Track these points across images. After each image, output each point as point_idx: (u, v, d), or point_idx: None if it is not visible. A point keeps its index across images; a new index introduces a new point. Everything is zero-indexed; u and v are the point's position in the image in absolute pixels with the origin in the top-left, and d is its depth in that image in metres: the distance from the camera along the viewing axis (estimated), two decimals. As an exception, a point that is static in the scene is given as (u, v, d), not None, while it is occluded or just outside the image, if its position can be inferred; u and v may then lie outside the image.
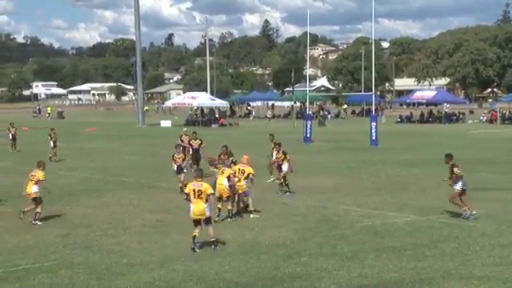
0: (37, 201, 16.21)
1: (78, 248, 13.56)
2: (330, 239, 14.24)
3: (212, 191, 13.68)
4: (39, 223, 15.99)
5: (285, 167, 20.29)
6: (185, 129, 27.18)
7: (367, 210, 17.58)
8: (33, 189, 16.28)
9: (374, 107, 44.72)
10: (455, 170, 16.26)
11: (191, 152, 24.58)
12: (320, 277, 11.45)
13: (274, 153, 21.52)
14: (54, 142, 31.28)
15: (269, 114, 74.94)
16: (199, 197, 13.25)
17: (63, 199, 19.48)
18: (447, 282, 11.07)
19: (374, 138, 38.59)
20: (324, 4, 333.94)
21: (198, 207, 13.24)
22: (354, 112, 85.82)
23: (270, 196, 20.05)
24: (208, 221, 13.46)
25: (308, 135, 41.93)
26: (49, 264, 12.33)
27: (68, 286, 11.12)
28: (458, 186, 16.21)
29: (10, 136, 35.01)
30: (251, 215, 16.72)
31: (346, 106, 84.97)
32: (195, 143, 24.64)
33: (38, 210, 16.15)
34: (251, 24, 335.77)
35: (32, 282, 11.27)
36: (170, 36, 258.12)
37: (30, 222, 15.98)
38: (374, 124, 38.79)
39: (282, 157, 20.42)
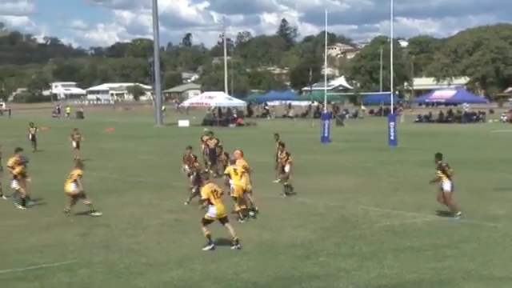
0: (78, 196, 16.74)
1: (96, 247, 13.62)
2: (349, 239, 14.17)
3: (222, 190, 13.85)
4: (98, 214, 16.74)
5: (287, 168, 20.15)
6: (205, 129, 27.19)
7: (386, 210, 17.47)
8: (71, 187, 16.77)
9: (392, 107, 44.41)
10: (449, 170, 16.25)
11: (208, 152, 24.92)
12: (338, 277, 11.39)
13: (279, 153, 21.90)
14: (77, 143, 30.75)
15: (291, 113, 74.47)
16: (219, 197, 13.36)
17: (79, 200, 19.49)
18: (467, 282, 10.96)
19: (392, 137, 38.36)
20: (342, 3, 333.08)
21: (221, 207, 13.37)
22: (372, 112, 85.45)
23: (287, 195, 20.01)
24: (227, 219, 13.49)
25: (326, 135, 41.79)
26: (68, 263, 12.40)
27: (87, 284, 11.16)
28: (448, 187, 16.13)
29: (30, 136, 34.97)
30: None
31: (364, 108, 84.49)
32: (211, 143, 25.00)
33: (88, 201, 16.89)
34: (269, 23, 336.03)
35: (51, 281, 11.33)
36: (188, 36, 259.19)
37: (89, 214, 16.73)
38: (392, 124, 38.57)
39: (286, 157, 20.31)
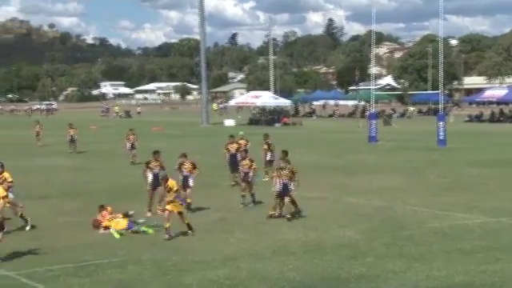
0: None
1: (144, 245, 13.77)
2: (397, 240, 13.98)
3: None
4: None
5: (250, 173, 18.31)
6: (241, 132, 26.67)
7: (435, 211, 17.18)
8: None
9: (441, 106, 43.67)
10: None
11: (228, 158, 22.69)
12: (386, 278, 11.24)
13: (269, 153, 22.48)
14: (132, 144, 29.39)
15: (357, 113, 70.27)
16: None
17: (128, 197, 19.77)
18: (520, 286, 10.68)
19: (441, 137, 37.76)
20: (389, 1, 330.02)
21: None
22: (420, 111, 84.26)
23: (334, 195, 19.89)
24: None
25: (373, 134, 41.40)
26: (117, 260, 12.57)
27: (136, 281, 11.30)
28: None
29: (69, 137, 34.53)
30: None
31: (412, 108, 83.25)
32: (232, 147, 22.46)
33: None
34: (315, 23, 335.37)
35: (101, 278, 11.51)
36: (234, 35, 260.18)
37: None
38: (441, 123, 37.96)
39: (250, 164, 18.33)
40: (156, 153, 18.02)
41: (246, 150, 20.01)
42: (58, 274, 11.71)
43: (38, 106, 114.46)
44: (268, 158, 22.75)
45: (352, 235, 14.46)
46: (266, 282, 11.11)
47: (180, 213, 14.61)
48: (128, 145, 29.43)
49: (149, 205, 17.16)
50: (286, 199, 16.18)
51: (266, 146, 22.93)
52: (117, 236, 14.56)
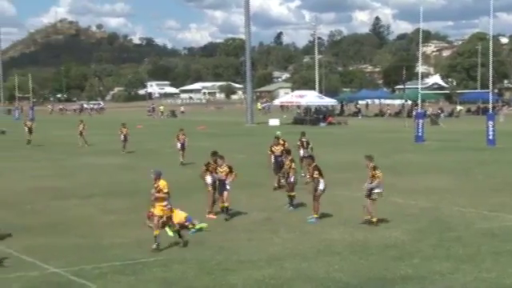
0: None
1: (189, 244, 13.81)
2: (444, 241, 13.74)
3: None
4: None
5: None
6: (278, 132, 26.36)
7: (483, 212, 16.83)
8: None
9: (491, 105, 42.79)
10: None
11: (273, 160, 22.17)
12: (433, 280, 11.06)
13: (302, 150, 22.99)
14: (182, 144, 29.03)
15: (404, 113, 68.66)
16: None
17: (175, 196, 19.84)
18: None
19: (490, 137, 37.00)
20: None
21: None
22: (469, 110, 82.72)
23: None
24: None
25: (420, 134, 40.81)
26: (162, 258, 12.69)
27: (180, 280, 11.38)
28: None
29: (122, 137, 34.92)
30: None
31: (460, 107, 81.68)
32: (277, 149, 21.78)
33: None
34: (361, 21, 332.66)
35: (147, 276, 11.63)
36: (279, 35, 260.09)
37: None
38: (491, 123, 37.22)
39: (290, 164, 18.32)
40: (214, 154, 17.25)
41: (288, 151, 19.56)
42: (106, 271, 11.89)
43: (91, 105, 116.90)
44: (301, 154, 23.34)
45: (398, 236, 14.28)
46: (311, 282, 11.05)
47: (169, 218, 13.65)
48: (178, 145, 29.27)
49: (210, 207, 16.90)
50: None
51: (299, 143, 23.84)
52: (170, 234, 14.61)
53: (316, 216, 15.91)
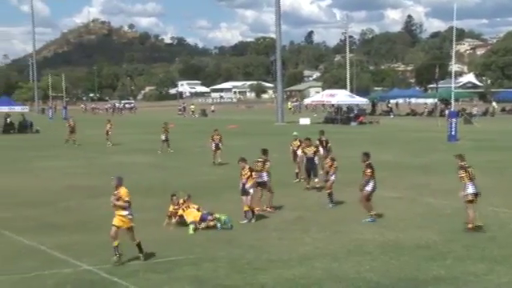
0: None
1: (220, 243, 13.89)
2: (478, 242, 13.54)
3: None
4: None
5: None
6: (295, 132, 26.02)
7: (518, 213, 16.54)
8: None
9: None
10: (368, 170, 15.53)
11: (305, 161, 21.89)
12: (466, 281, 10.91)
13: (321, 149, 22.24)
14: (217, 145, 28.78)
15: (437, 112, 67.14)
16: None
17: (205, 195, 19.95)
18: None
19: (525, 136, 36.35)
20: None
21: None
22: (504, 109, 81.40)
23: (412, 195, 19.48)
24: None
25: (453, 133, 40.30)
26: (193, 257, 12.74)
27: (211, 278, 11.41)
28: (369, 188, 15.53)
29: (163, 137, 34.87)
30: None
31: (495, 105, 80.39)
32: (309, 150, 21.45)
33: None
34: (393, 20, 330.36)
35: (178, 274, 11.69)
36: (310, 33, 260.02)
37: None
38: (525, 122, 36.56)
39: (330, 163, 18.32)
40: (264, 152, 17.91)
41: (328, 150, 20.82)
42: (137, 269, 11.98)
43: (123, 105, 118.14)
44: (321, 153, 22.57)
45: (430, 236, 14.12)
46: (341, 282, 10.99)
47: (129, 229, 12.43)
48: (213, 145, 29.03)
49: (260, 204, 17.22)
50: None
51: (317, 142, 23.09)
52: (191, 232, 14.71)
53: (371, 214, 15.78)
